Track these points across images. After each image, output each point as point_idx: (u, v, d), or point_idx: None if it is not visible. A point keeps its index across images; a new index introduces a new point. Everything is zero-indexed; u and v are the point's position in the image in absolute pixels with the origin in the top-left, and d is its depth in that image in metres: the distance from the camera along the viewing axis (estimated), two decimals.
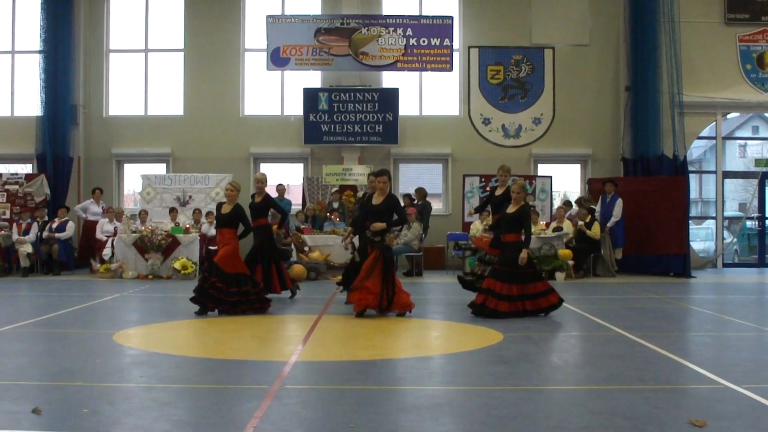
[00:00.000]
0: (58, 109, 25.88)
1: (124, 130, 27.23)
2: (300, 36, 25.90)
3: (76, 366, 9.49)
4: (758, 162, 28.01)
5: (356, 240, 15.28)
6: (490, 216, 22.31)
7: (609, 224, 23.07)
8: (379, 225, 14.03)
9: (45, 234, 23.23)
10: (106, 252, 22.45)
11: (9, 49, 27.62)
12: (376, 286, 13.82)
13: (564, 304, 14.82)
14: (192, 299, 14.32)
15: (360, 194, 24.66)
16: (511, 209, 14.17)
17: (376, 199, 14.33)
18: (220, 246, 14.60)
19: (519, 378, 8.96)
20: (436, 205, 27.46)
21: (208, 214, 23.19)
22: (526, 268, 13.97)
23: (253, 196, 16.24)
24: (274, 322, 13.75)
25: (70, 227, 23.54)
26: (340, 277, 21.26)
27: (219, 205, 14.88)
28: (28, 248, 22.51)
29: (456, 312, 14.83)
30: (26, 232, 22.87)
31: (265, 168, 26.87)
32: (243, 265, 14.62)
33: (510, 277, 13.84)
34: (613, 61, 26.75)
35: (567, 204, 24.33)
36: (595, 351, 10.97)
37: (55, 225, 23.35)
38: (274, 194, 24.00)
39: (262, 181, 16.25)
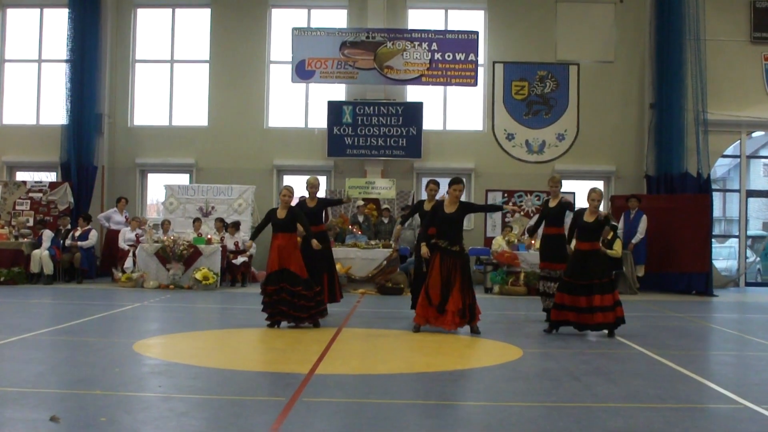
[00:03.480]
0: (83, 118, 25.95)
1: (149, 140, 27.30)
2: (325, 49, 25.93)
3: (94, 375, 9.53)
4: None
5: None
6: (513, 233, 22.41)
7: (634, 240, 22.98)
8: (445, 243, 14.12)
9: (68, 242, 23.32)
10: (128, 266, 22.42)
11: (36, 58, 27.77)
12: (457, 302, 13.80)
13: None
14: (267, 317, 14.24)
15: (384, 207, 24.68)
16: (589, 218, 14.04)
17: (449, 208, 14.36)
18: (278, 251, 14.30)
19: (538, 394, 8.94)
20: None
21: (230, 225, 23.29)
22: (600, 278, 13.91)
23: (304, 202, 16.12)
24: (294, 335, 13.74)
25: (93, 236, 23.60)
26: (362, 290, 21.39)
27: (273, 211, 14.61)
28: (46, 259, 22.48)
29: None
30: (38, 241, 22.94)
31: (288, 180, 26.82)
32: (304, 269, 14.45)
33: (578, 289, 13.76)
34: (638, 79, 26.68)
35: None
36: (614, 368, 10.91)
37: (78, 233, 23.42)
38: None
39: (315, 186, 16.17)
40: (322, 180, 26.72)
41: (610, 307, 13.74)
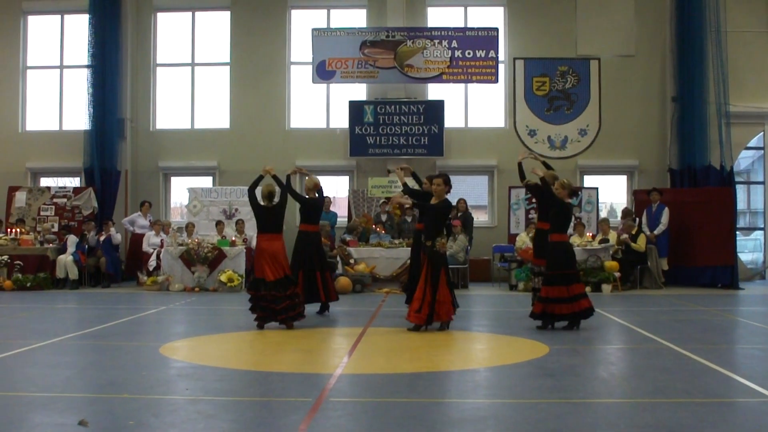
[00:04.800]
0: (106, 123, 26.04)
1: (171, 143, 27.40)
2: (345, 49, 25.93)
3: (122, 378, 9.56)
4: None
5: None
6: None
7: (656, 231, 22.89)
8: (398, 198, 14.09)
9: (93, 241, 23.46)
10: (151, 263, 22.54)
11: (58, 64, 27.91)
12: (417, 300, 13.73)
13: (611, 316, 14.80)
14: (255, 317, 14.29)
15: (407, 205, 24.68)
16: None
17: (435, 201, 14.26)
18: (261, 253, 14.42)
19: (565, 391, 8.92)
20: (482, 217, 27.40)
21: None
22: (570, 269, 13.83)
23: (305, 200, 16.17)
24: (320, 335, 13.77)
25: (118, 237, 23.75)
26: (386, 290, 21.34)
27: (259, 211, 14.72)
28: (71, 264, 22.61)
29: (501, 324, 14.78)
30: (63, 246, 23.10)
31: None
32: (285, 268, 14.42)
33: (559, 280, 13.70)
34: (660, 72, 26.58)
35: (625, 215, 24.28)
36: (641, 363, 10.90)
37: (102, 238, 23.51)
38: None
39: (309, 188, 16.23)
40: (345, 180, 26.86)
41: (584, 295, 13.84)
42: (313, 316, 15.64)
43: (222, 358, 11.35)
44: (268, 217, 14.56)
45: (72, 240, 23.08)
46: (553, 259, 13.90)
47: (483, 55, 25.84)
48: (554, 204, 14.01)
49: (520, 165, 15.18)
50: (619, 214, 24.67)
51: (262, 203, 14.76)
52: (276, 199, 14.74)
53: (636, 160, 26.60)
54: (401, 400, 8.37)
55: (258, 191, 14.98)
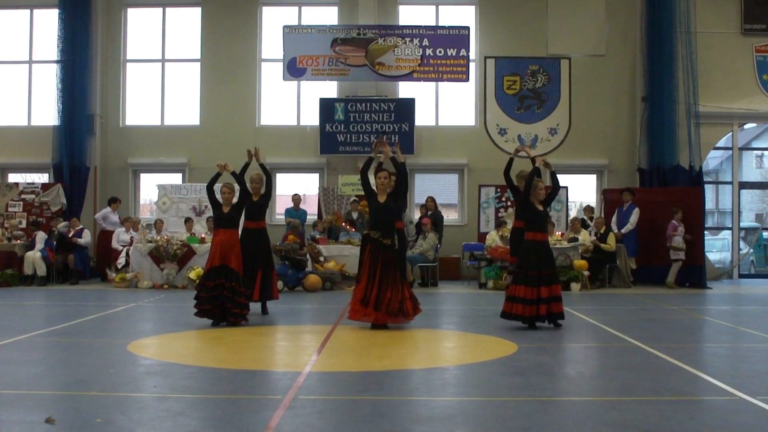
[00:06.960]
0: (75, 118, 25.92)
1: (141, 139, 27.28)
2: (316, 46, 25.90)
3: (90, 376, 9.51)
4: None
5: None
6: (507, 228, 22.34)
7: (624, 230, 23.00)
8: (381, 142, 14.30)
9: (64, 231, 23.38)
10: (120, 260, 22.46)
11: (26, 59, 27.73)
12: (394, 303, 13.60)
13: (579, 315, 14.83)
14: (199, 312, 14.19)
15: None
16: (540, 207, 14.06)
17: (380, 197, 14.06)
18: (220, 246, 14.26)
19: (533, 389, 8.93)
20: (452, 216, 27.44)
21: None
22: (545, 269, 13.78)
23: (249, 197, 15.99)
24: (289, 333, 13.77)
25: (87, 234, 23.64)
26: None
27: (217, 207, 14.70)
28: (39, 261, 22.50)
29: (470, 322, 14.80)
30: (32, 243, 23.01)
31: (281, 178, 26.92)
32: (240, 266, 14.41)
33: (526, 280, 13.68)
34: (630, 72, 26.70)
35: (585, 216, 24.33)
36: (609, 362, 10.94)
37: (71, 234, 23.40)
38: (289, 204, 24.24)
39: (257, 181, 16.17)
40: (315, 177, 26.83)
41: (558, 298, 13.79)
42: (275, 314, 15.69)
43: (190, 356, 11.33)
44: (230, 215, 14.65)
45: (40, 236, 22.99)
46: (520, 257, 14.02)
47: (454, 54, 25.87)
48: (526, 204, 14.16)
49: (512, 160, 15.20)
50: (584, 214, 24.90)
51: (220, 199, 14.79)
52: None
53: (606, 160, 26.71)
54: (370, 398, 8.37)
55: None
